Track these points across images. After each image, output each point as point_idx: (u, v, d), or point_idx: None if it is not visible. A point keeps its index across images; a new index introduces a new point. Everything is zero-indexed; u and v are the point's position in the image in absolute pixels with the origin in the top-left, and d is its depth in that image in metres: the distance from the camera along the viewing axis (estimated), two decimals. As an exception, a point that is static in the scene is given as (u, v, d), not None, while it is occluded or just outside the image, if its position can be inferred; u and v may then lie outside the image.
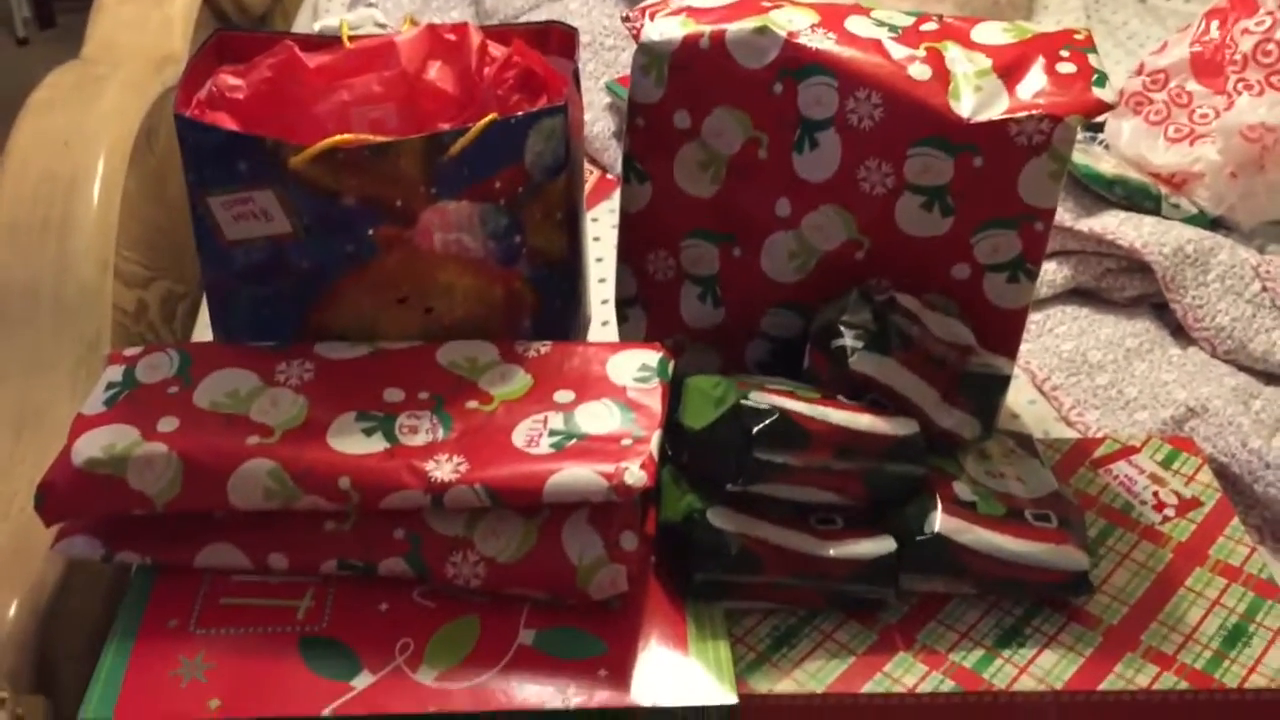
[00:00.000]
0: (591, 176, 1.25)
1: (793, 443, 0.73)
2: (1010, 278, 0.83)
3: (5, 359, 0.89)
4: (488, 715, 0.67)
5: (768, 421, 0.72)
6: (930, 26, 0.83)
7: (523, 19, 1.45)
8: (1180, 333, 1.05)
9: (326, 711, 0.66)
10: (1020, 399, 0.99)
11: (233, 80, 0.82)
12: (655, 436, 0.73)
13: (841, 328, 0.79)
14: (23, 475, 0.82)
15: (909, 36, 0.82)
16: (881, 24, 0.83)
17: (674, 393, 0.79)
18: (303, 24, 1.55)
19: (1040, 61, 0.80)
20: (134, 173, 1.02)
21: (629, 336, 0.92)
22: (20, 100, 1.03)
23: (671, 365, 0.80)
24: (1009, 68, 0.80)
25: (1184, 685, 0.72)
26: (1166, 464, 0.88)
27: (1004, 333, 0.85)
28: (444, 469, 0.70)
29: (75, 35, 1.18)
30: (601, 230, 1.15)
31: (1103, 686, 0.72)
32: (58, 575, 0.79)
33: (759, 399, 0.74)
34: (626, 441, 0.72)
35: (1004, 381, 0.84)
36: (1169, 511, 0.84)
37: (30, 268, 0.92)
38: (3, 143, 1.00)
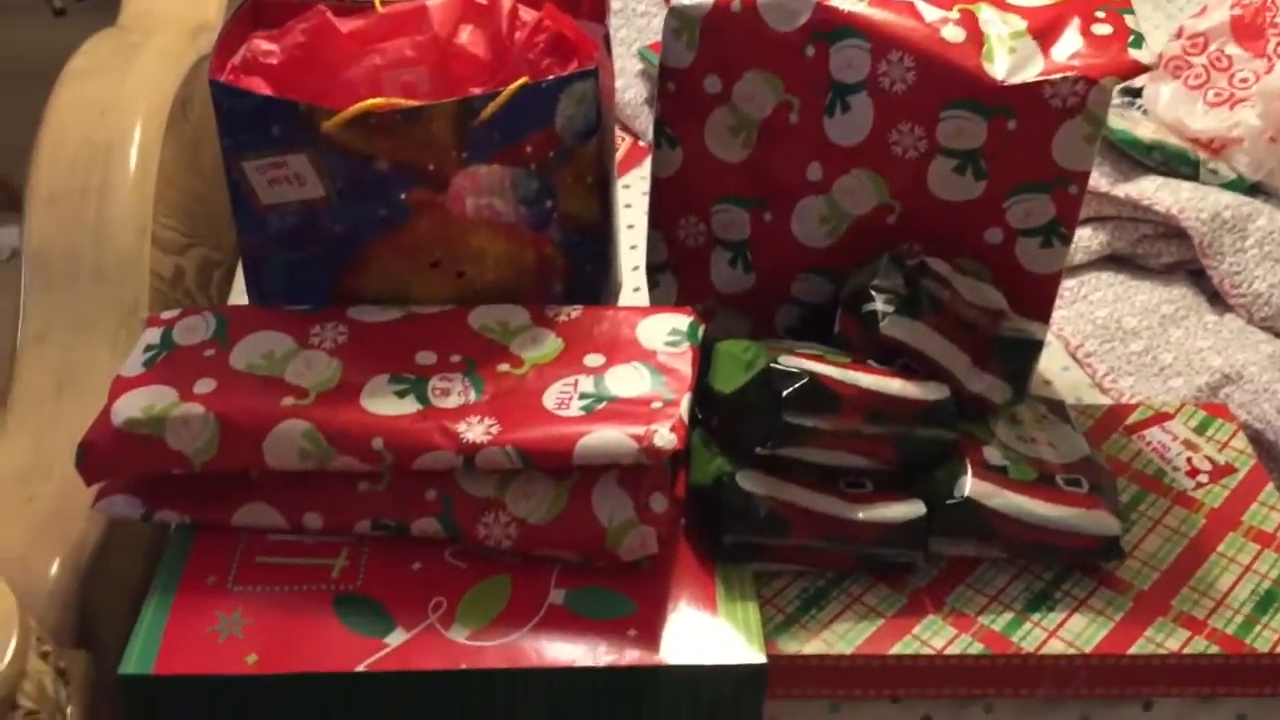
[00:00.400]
0: (623, 144, 1.25)
1: (822, 406, 0.73)
2: (1044, 242, 0.82)
3: (46, 322, 0.91)
4: (519, 673, 0.68)
5: (797, 385, 0.73)
6: (964, -12, 0.83)
7: (555, -14, 1.45)
8: (1216, 299, 1.04)
9: (360, 667, 0.68)
10: (1054, 365, 0.99)
11: (266, 45, 0.83)
12: (685, 399, 0.73)
13: (872, 292, 0.79)
14: (63, 435, 0.83)
15: (942, -1, 0.81)
16: (915, -14, 0.82)
17: (704, 357, 0.79)
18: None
19: (1075, 22, 0.79)
20: (170, 140, 1.02)
21: (660, 302, 0.92)
22: (57, 70, 1.04)
23: (702, 329, 0.80)
24: (1044, 29, 0.79)
25: (1215, 649, 0.72)
26: (1200, 430, 0.87)
27: (1037, 298, 0.84)
28: (475, 430, 0.71)
29: (112, 6, 1.19)
30: (633, 197, 1.15)
31: (1133, 650, 0.72)
32: (98, 534, 0.80)
33: (789, 362, 0.74)
34: (656, 404, 0.73)
35: (1036, 346, 0.83)
36: (1202, 478, 0.84)
37: (70, 234, 0.93)
38: (41, 111, 1.01)
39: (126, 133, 0.98)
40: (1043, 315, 0.85)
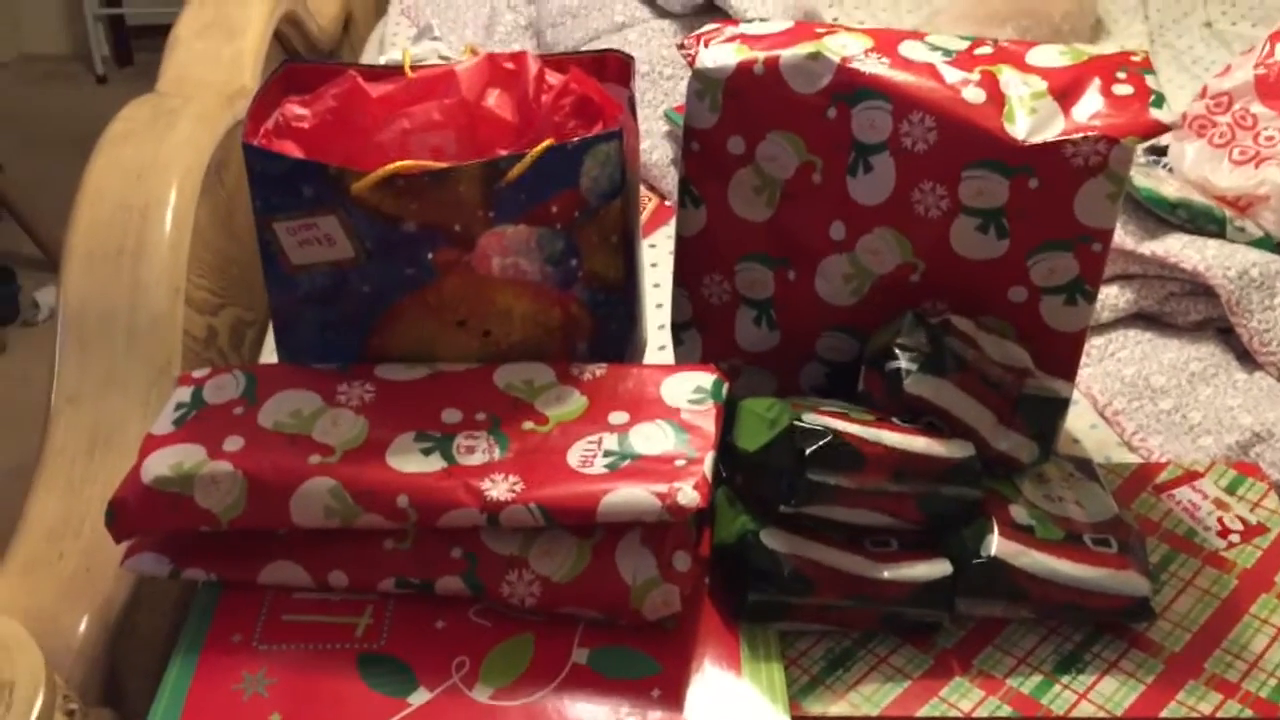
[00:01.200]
0: (650, 203, 1.26)
1: (847, 464, 0.73)
2: (1068, 300, 0.82)
3: (80, 381, 0.92)
4: (541, 733, 0.68)
5: (821, 443, 0.73)
6: (985, 50, 0.84)
7: (582, 50, 1.47)
8: (1246, 357, 1.04)
9: (383, 727, 0.67)
10: (1082, 424, 0.98)
11: (299, 110, 0.84)
12: (709, 457, 0.74)
13: (896, 350, 0.79)
14: (94, 495, 0.84)
15: (963, 60, 0.82)
16: (935, 48, 0.83)
17: (728, 415, 0.79)
18: (369, 58, 1.59)
19: (1096, 83, 0.79)
20: (205, 203, 1.04)
21: (684, 360, 0.93)
22: (98, 135, 1.06)
23: (725, 387, 0.80)
24: (1065, 90, 0.79)
25: (1249, 714, 0.71)
26: (1231, 489, 0.87)
27: (1062, 355, 0.84)
28: (500, 488, 0.71)
29: (153, 73, 1.22)
30: (659, 256, 1.16)
31: (1164, 714, 0.71)
32: (126, 591, 0.81)
33: (813, 420, 0.74)
34: (680, 462, 0.73)
35: (1062, 404, 0.83)
36: (1234, 537, 0.83)
37: (105, 294, 0.95)
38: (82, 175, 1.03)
39: (162, 195, 1.00)
40: (1068, 373, 0.84)
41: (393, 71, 0.88)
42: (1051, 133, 0.77)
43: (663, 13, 1.46)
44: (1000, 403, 0.79)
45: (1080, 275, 0.81)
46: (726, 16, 1.37)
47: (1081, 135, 0.77)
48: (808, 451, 0.72)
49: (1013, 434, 0.80)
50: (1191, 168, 1.16)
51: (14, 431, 1.26)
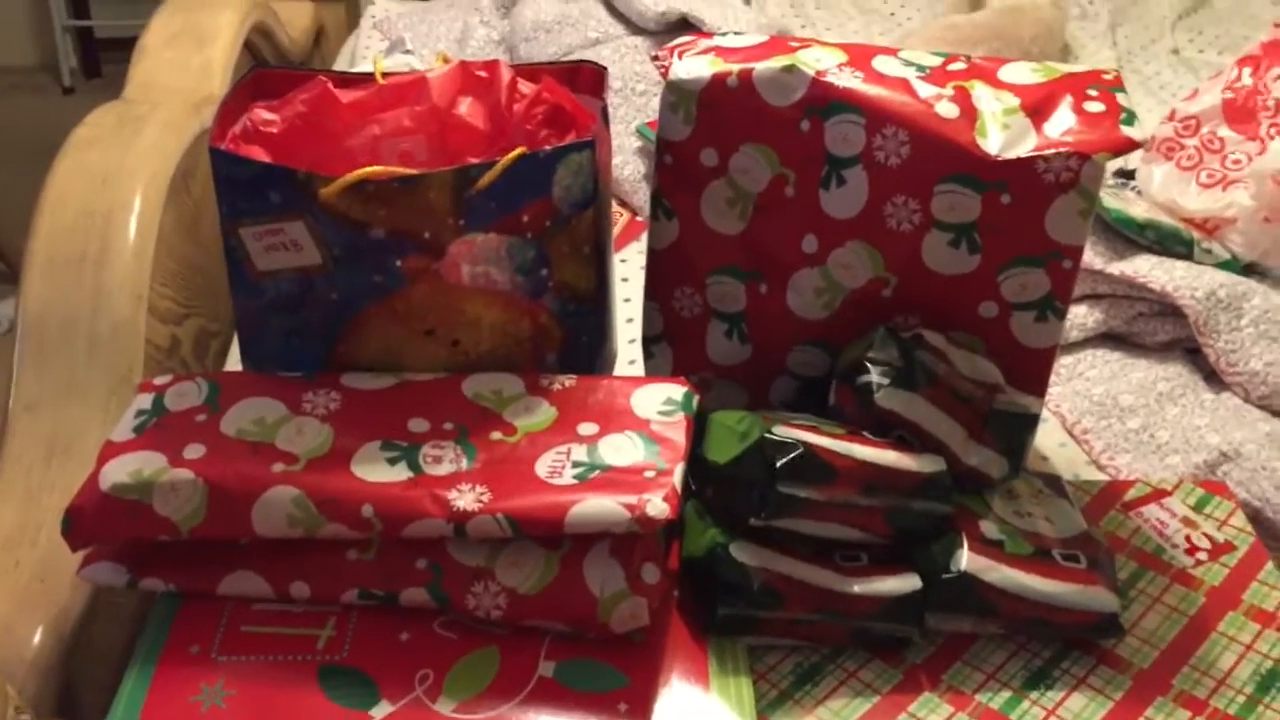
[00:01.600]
0: (621, 218, 1.26)
1: (817, 477, 0.72)
2: (1038, 316, 0.82)
3: (39, 389, 0.90)
4: (506, 747, 0.67)
5: (792, 455, 0.72)
6: (958, 66, 0.84)
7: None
8: (1213, 378, 1.04)
9: (344, 740, 0.66)
10: (1050, 442, 0.98)
11: (267, 115, 0.83)
12: (679, 469, 0.73)
13: (868, 364, 0.78)
14: (51, 504, 0.83)
15: (936, 76, 0.82)
16: (909, 64, 0.83)
17: (698, 428, 0.79)
18: (340, 69, 1.58)
19: (1068, 100, 0.80)
20: (170, 211, 1.03)
21: (655, 373, 0.92)
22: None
23: (696, 400, 0.80)
24: (1037, 106, 0.80)
25: (1217, 731, 0.71)
26: (1199, 508, 0.87)
27: (1032, 372, 0.84)
28: (466, 498, 0.70)
29: (121, 85, 1.21)
30: (630, 271, 1.16)
31: (1133, 731, 0.71)
32: (82, 602, 0.79)
33: (784, 433, 0.73)
34: (649, 474, 0.72)
35: (1032, 420, 0.83)
36: (1201, 555, 0.83)
37: (66, 301, 0.94)
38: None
39: (127, 201, 0.99)
40: (1038, 389, 0.84)
41: (364, 78, 0.87)
42: (1024, 148, 0.78)
43: (636, 29, 1.46)
44: (971, 418, 0.79)
45: (1051, 292, 0.81)
46: (700, 33, 1.37)
47: (1054, 151, 0.77)
48: (778, 464, 0.72)
49: (983, 449, 0.80)
50: (1159, 190, 1.17)
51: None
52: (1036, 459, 0.95)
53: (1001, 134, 0.78)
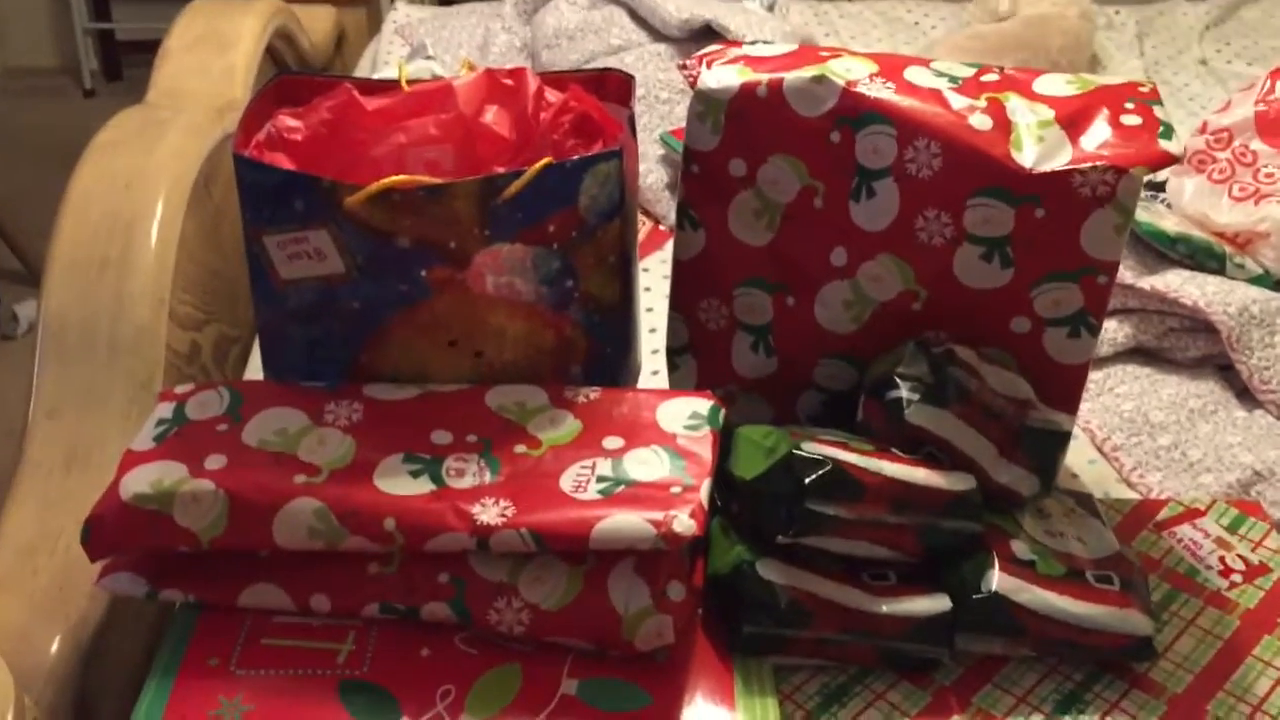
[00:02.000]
0: (644, 227, 1.25)
1: (846, 494, 0.71)
2: (1071, 332, 0.81)
3: (59, 395, 0.90)
4: (528, 766, 0.65)
5: (821, 472, 0.71)
6: (991, 77, 0.83)
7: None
8: (1246, 395, 1.02)
9: (364, 757, 0.65)
10: (1080, 459, 0.97)
11: (291, 122, 0.83)
12: (705, 485, 0.72)
13: (897, 379, 0.77)
14: (70, 511, 0.82)
15: (969, 87, 0.81)
16: (941, 74, 0.82)
17: (724, 442, 0.77)
18: (362, 75, 1.57)
19: (1104, 113, 0.78)
20: (192, 216, 1.03)
21: (680, 385, 0.91)
22: (85, 148, 1.04)
23: (722, 414, 0.79)
24: (1072, 118, 0.78)
25: (1254, 758, 0.69)
26: (1233, 528, 0.85)
27: (1064, 388, 0.83)
28: (490, 512, 0.69)
29: (142, 88, 1.20)
30: (653, 281, 1.15)
31: (1168, 757, 0.69)
32: (100, 612, 0.78)
33: (812, 449, 0.72)
34: (676, 489, 0.71)
35: (1064, 438, 0.82)
36: (1236, 577, 0.81)
37: (87, 306, 0.93)
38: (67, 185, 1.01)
39: (149, 206, 0.98)
40: (1070, 406, 0.83)
41: (388, 85, 0.86)
42: (1059, 162, 0.76)
43: (659, 36, 1.45)
44: (1002, 435, 0.78)
45: (1085, 307, 0.80)
46: (727, 41, 1.36)
47: (1090, 165, 0.76)
48: (807, 480, 0.70)
49: (1014, 467, 0.78)
50: (1190, 203, 1.16)
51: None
52: (1066, 476, 0.94)
53: (1036, 147, 0.77)
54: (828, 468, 0.71)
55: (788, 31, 1.47)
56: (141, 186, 0.99)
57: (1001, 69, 0.84)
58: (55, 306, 0.92)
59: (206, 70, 1.22)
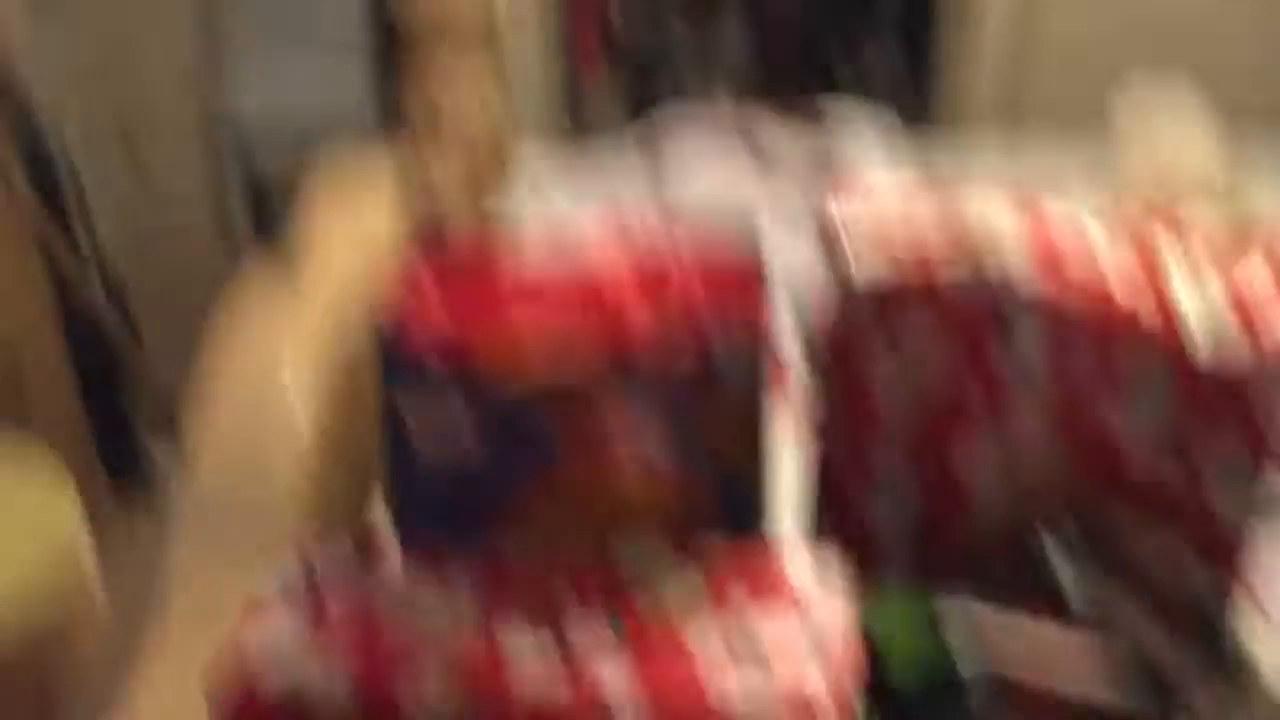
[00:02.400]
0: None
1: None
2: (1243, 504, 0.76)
3: (197, 562, 0.91)
4: None
5: (987, 695, 0.67)
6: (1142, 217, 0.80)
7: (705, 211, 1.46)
8: None
9: None
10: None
11: (432, 293, 0.84)
12: (849, 682, 0.67)
13: (1050, 547, 0.73)
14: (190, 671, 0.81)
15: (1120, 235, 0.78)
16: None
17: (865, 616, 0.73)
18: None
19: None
20: (330, 385, 1.04)
21: (810, 543, 0.88)
22: (226, 299, 1.07)
23: (857, 583, 0.75)
24: (1242, 298, 0.74)
25: None
26: None
27: (1233, 559, 0.77)
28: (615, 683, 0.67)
29: (284, 233, 1.23)
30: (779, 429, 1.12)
31: None
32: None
33: (973, 653, 0.68)
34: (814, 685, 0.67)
35: (1236, 612, 0.76)
36: None
37: (231, 478, 0.95)
38: (201, 333, 1.04)
39: (293, 376, 1.01)
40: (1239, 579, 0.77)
41: (522, 246, 0.87)
42: (1236, 357, 0.72)
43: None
44: (1163, 606, 0.73)
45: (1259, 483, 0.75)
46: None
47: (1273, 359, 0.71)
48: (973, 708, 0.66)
49: (1182, 644, 0.73)
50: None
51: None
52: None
53: (1206, 338, 0.73)
54: (991, 688, 0.67)
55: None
56: (285, 355, 1.02)
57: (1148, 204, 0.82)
58: (201, 479, 0.94)
59: (351, 240, 1.25)
